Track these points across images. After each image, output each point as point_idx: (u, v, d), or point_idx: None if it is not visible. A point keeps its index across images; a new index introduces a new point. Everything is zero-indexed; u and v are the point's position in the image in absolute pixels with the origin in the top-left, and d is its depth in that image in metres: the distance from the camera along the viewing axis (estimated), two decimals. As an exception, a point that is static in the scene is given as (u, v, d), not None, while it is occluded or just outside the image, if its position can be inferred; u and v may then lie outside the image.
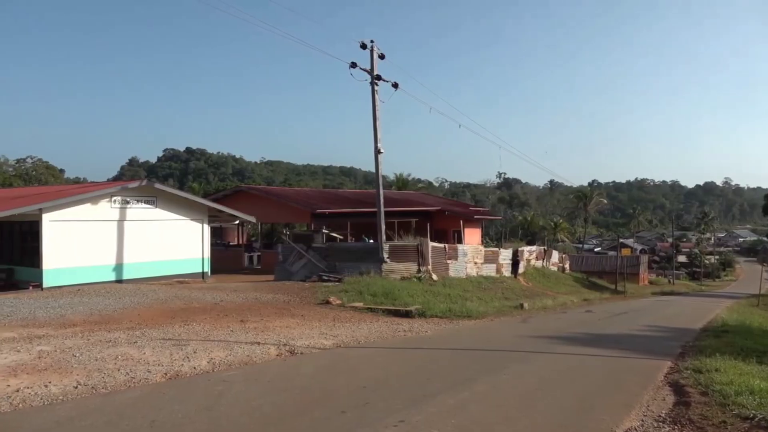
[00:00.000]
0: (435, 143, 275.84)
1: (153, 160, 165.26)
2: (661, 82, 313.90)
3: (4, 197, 24.19)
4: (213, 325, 12.36)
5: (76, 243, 19.29)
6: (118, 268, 20.47)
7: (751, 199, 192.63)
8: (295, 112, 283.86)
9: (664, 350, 11.61)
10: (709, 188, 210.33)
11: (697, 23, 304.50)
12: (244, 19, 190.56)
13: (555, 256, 42.71)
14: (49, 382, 7.34)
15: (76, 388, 7.21)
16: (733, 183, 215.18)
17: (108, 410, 6.42)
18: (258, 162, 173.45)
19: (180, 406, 6.57)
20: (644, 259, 61.53)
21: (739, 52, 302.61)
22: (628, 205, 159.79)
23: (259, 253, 31.74)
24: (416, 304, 17.12)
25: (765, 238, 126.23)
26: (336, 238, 31.60)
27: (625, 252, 53.58)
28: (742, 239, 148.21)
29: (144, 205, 21.50)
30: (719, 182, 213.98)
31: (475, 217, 39.44)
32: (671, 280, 65.56)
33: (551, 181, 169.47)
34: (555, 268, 40.81)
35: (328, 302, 16.74)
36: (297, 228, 36.57)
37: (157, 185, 23.00)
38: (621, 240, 65.97)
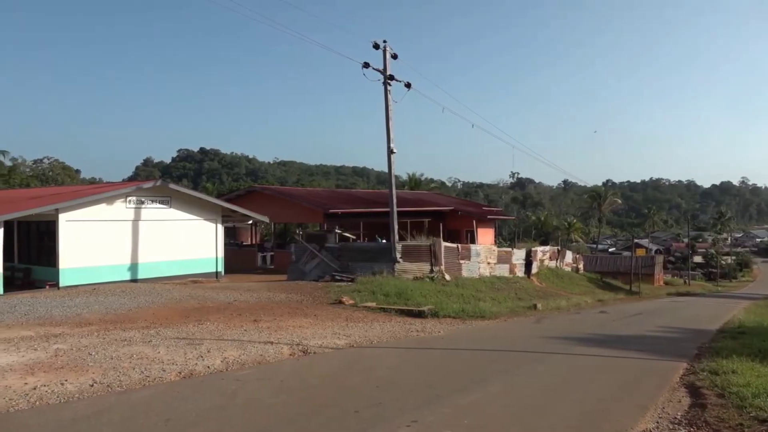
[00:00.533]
0: (448, 143, 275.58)
1: (167, 160, 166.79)
2: (676, 80, 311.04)
3: (21, 197, 24.50)
4: (227, 324, 12.43)
5: (92, 242, 19.49)
6: (133, 267, 20.66)
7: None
8: (308, 112, 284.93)
9: (680, 351, 11.48)
10: (725, 188, 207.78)
11: (705, 20, 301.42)
12: (258, 20, 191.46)
13: (569, 256, 42.44)
14: (66, 380, 7.43)
15: (92, 386, 7.29)
16: (750, 182, 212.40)
17: (123, 408, 6.48)
18: (271, 162, 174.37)
19: (194, 405, 6.61)
20: (659, 259, 60.90)
21: (751, 49, 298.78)
22: (643, 205, 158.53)
23: (272, 253, 31.84)
24: (429, 304, 17.09)
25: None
26: (349, 238, 31.65)
27: (640, 252, 53.11)
28: (759, 239, 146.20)
29: (158, 205, 21.67)
30: (736, 182, 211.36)
31: (488, 217, 39.31)
32: (687, 281, 64.83)
33: (565, 181, 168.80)
34: (569, 269, 40.54)
35: (340, 302, 16.77)
36: (310, 228, 36.64)
37: (172, 185, 23.16)
38: (636, 240, 65.28)
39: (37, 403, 6.58)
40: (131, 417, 6.16)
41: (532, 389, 7.76)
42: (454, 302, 18.34)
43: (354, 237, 32.28)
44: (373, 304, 16.65)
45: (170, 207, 22.05)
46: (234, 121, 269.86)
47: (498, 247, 33.57)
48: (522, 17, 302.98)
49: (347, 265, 23.06)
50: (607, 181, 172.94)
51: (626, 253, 62.93)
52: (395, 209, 22.52)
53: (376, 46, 21.33)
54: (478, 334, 13.87)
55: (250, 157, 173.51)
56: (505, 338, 13.31)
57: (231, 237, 33.65)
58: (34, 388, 7.03)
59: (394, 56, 21.73)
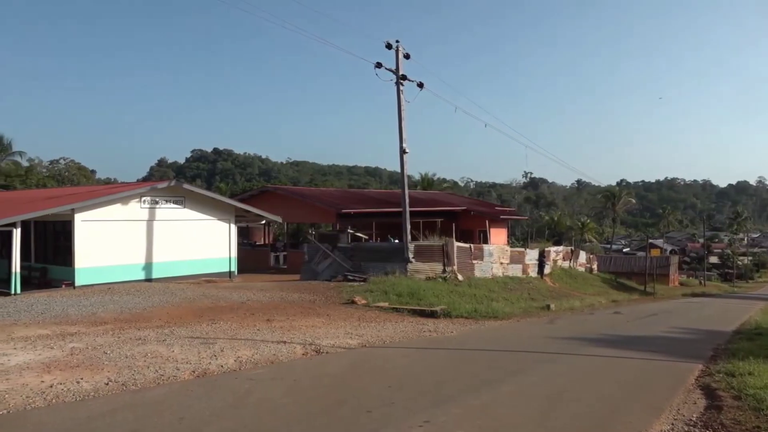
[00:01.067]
0: (460, 143, 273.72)
1: (181, 160, 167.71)
2: (691, 79, 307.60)
3: (38, 198, 24.78)
4: (240, 323, 12.50)
5: (107, 242, 19.69)
6: (148, 267, 20.84)
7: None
8: (321, 112, 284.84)
9: (695, 353, 11.37)
10: (742, 187, 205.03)
11: (724, 18, 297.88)
12: (271, 20, 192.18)
13: (582, 256, 42.16)
14: (81, 379, 7.51)
15: (107, 384, 7.37)
16: (767, 182, 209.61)
17: (138, 407, 6.54)
18: (284, 162, 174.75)
19: (207, 404, 6.66)
20: (674, 259, 60.27)
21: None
22: (658, 205, 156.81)
23: (285, 253, 31.96)
24: (441, 304, 17.08)
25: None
26: (361, 238, 31.67)
27: (655, 252, 52.58)
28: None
29: (172, 205, 21.84)
30: (753, 181, 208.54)
31: (501, 217, 39.16)
32: (702, 282, 64.13)
33: (578, 181, 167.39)
34: (582, 269, 40.29)
35: (353, 302, 16.79)
36: (322, 228, 36.73)
37: (186, 185, 23.34)
38: (650, 240, 64.70)
39: (54, 401, 6.66)
40: (145, 415, 6.22)
41: (545, 390, 7.72)
42: (466, 302, 18.32)
43: (366, 237, 32.30)
44: (386, 304, 16.66)
45: (184, 207, 22.21)
46: (247, 121, 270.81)
47: (511, 247, 33.46)
48: (536, 24, 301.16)
49: (360, 265, 23.10)
50: (621, 180, 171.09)
51: (641, 254, 62.27)
52: (408, 209, 22.51)
53: (389, 46, 21.33)
54: (491, 334, 13.83)
55: (263, 157, 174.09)
56: (518, 339, 13.26)
57: (244, 237, 33.81)
58: (51, 386, 7.12)
59: (407, 56, 21.73)
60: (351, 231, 29.94)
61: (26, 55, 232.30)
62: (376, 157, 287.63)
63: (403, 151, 22.19)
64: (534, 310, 19.71)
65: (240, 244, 26.79)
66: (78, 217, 18.92)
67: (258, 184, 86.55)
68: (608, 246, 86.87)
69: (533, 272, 30.92)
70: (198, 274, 22.17)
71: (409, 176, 23.53)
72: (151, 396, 7.01)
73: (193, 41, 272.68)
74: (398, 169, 23.55)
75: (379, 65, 20.82)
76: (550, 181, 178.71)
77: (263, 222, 31.63)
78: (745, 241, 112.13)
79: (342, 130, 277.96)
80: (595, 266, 44.36)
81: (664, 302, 32.19)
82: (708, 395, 7.53)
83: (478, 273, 25.64)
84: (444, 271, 22.85)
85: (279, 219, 26.84)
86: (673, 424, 6.24)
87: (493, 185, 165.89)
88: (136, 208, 20.71)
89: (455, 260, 23.71)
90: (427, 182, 61.77)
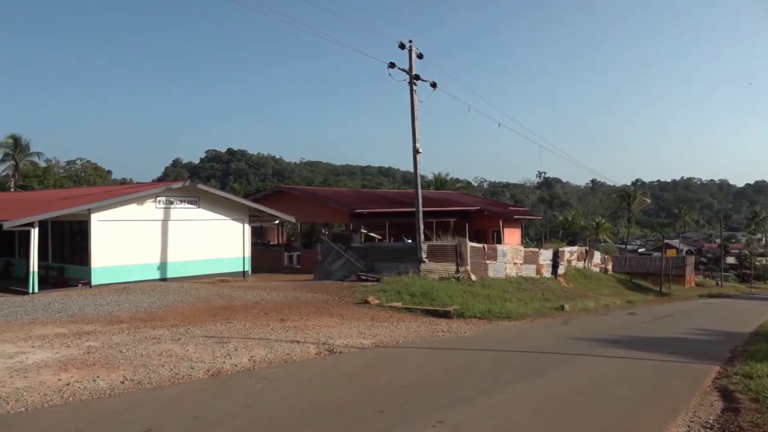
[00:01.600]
0: (474, 143, 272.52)
1: (196, 161, 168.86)
2: (707, 78, 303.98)
3: (55, 198, 25.08)
4: (254, 323, 12.56)
5: (123, 242, 19.88)
6: (163, 266, 21.01)
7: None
8: (334, 112, 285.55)
9: (712, 354, 11.23)
10: (760, 187, 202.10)
11: (742, 16, 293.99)
12: (285, 21, 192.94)
13: (597, 256, 41.83)
14: (97, 377, 7.59)
15: (123, 383, 7.44)
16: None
17: (153, 405, 6.60)
18: (297, 162, 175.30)
19: (222, 403, 6.70)
20: (690, 260, 59.61)
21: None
22: (674, 205, 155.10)
23: (298, 253, 32.06)
24: (455, 304, 17.03)
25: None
26: (374, 237, 31.66)
27: (671, 253, 52.11)
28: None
29: (187, 205, 22.00)
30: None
31: (515, 217, 38.98)
32: (719, 282, 63.35)
33: (593, 181, 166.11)
34: (597, 269, 39.98)
35: (366, 302, 16.80)
36: (336, 228, 36.81)
37: (200, 186, 23.48)
38: (666, 240, 64.02)
39: (70, 398, 6.74)
40: (160, 414, 6.27)
41: (560, 392, 7.67)
42: (480, 303, 18.25)
43: (380, 237, 32.29)
44: (399, 304, 16.65)
45: (198, 207, 22.36)
46: (261, 122, 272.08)
47: (525, 247, 33.26)
48: (555, 25, 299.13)
49: (373, 265, 23.11)
50: (637, 180, 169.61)
51: (656, 254, 61.74)
52: (421, 209, 22.48)
53: (402, 46, 21.31)
54: (505, 334, 13.77)
55: (277, 157, 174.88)
56: (532, 339, 13.19)
57: (258, 237, 33.95)
58: (68, 384, 7.20)
59: (420, 56, 21.69)
60: (364, 231, 29.95)
61: (44, 57, 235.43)
62: (390, 157, 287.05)
63: (416, 151, 22.16)
64: (548, 311, 19.59)
65: (254, 244, 26.91)
66: (94, 217, 19.11)
67: (272, 184, 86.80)
68: (623, 246, 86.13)
69: (547, 272, 30.74)
70: (212, 274, 22.31)
71: (422, 176, 23.52)
72: (166, 394, 7.07)
73: (209, 43, 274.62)
74: (411, 169, 23.52)
75: (392, 65, 20.81)
76: (564, 180, 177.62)
77: (277, 222, 31.77)
78: (763, 242, 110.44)
79: (355, 130, 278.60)
80: (609, 267, 44.00)
81: (680, 303, 31.87)
82: (725, 397, 7.44)
83: (491, 273, 25.54)
84: (457, 271, 22.79)
85: (292, 219, 26.93)
86: (689, 426, 6.17)
87: (507, 185, 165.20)
88: (152, 208, 20.89)
89: (468, 260, 23.63)
90: (440, 182, 61.70)
